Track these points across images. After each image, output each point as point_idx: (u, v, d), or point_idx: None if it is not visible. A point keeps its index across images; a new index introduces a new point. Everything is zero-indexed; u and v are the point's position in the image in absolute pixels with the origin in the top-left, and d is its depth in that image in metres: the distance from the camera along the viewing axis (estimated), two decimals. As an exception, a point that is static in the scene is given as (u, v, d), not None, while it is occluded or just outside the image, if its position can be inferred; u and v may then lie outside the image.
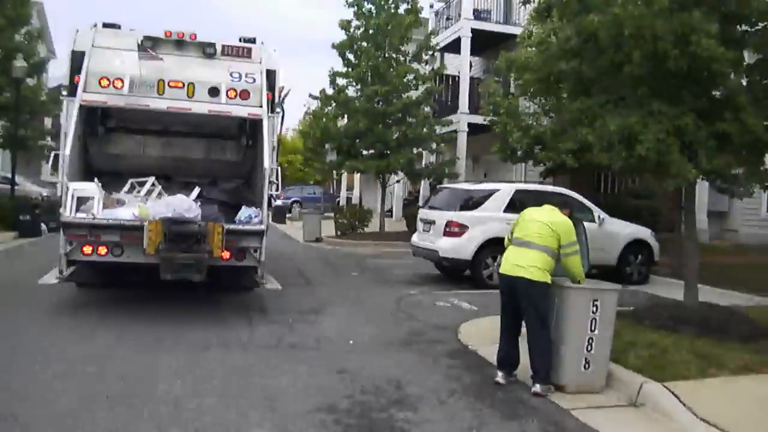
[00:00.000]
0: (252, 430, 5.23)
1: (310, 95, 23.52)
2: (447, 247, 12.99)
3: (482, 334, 8.46)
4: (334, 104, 22.92)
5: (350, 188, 46.38)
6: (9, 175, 24.28)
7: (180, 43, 10.18)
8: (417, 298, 11.71)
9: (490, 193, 13.30)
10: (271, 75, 10.35)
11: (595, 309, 6.34)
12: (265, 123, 9.86)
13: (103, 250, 8.83)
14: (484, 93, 19.80)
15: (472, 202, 13.31)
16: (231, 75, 10.11)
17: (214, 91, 9.94)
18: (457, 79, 25.35)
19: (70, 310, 9.57)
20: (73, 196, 8.97)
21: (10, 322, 8.53)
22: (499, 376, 6.60)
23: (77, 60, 9.67)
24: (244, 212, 9.59)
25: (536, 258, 6.40)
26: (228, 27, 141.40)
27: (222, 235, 8.74)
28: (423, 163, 25.91)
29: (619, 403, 6.24)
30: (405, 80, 22.13)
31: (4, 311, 9.17)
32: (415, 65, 23.04)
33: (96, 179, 9.73)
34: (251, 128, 10.79)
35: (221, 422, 5.36)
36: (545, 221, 6.54)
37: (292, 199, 43.87)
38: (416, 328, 9.18)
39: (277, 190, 10.59)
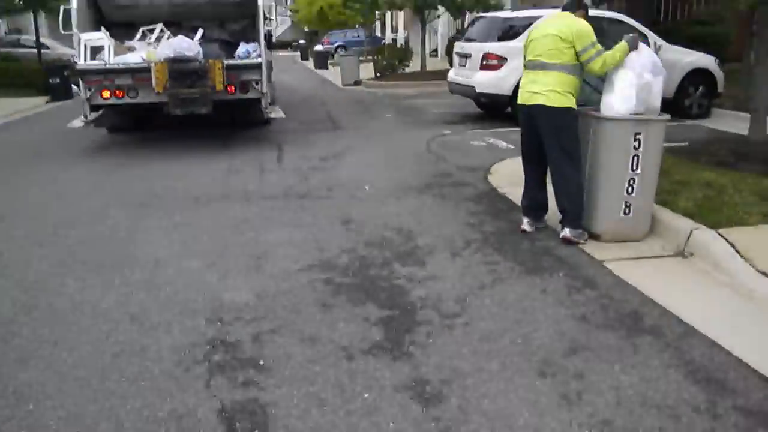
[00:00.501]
0: (226, 294, 4.55)
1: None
2: (484, 81, 11.82)
3: (516, 174, 7.48)
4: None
5: (396, 30, 44.40)
6: (42, 40, 23.76)
7: None
8: (450, 138, 10.78)
9: (531, 21, 11.83)
10: None
11: (637, 144, 5.29)
12: None
13: (119, 93, 9.73)
14: None
15: (512, 32, 11.94)
16: None
17: None
18: None
19: (92, 151, 10.52)
20: (86, 46, 9.90)
21: (41, 158, 9.98)
22: (525, 223, 5.75)
23: None
24: (242, 48, 10.29)
25: (554, 80, 5.33)
26: None
27: (222, 70, 9.48)
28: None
29: (664, 253, 5.33)
30: None
31: (35, 149, 10.72)
32: None
33: (104, 28, 10.38)
34: None
35: (196, 286, 4.70)
36: (554, 32, 5.36)
37: (336, 44, 42.33)
38: (443, 170, 8.32)
39: (270, 26, 11.27)
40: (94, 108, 10.08)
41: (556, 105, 5.29)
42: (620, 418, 3.10)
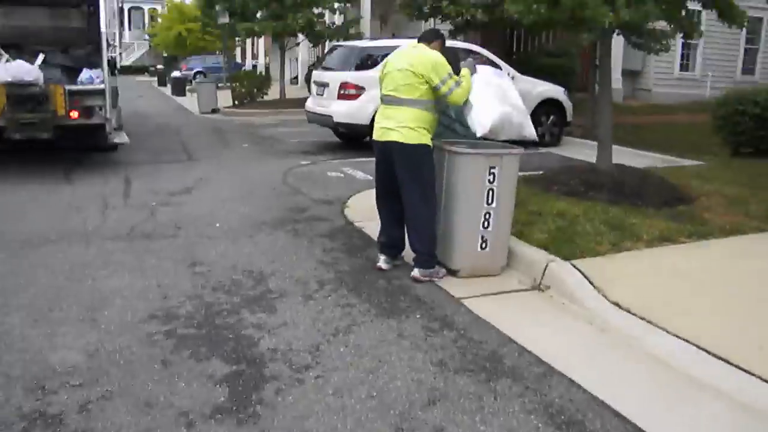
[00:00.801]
0: (52, 355, 4.03)
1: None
2: (342, 111, 11.70)
3: (373, 207, 7.35)
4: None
5: (256, 56, 43.95)
6: None
7: None
8: (307, 169, 10.53)
9: (389, 51, 11.78)
10: None
11: (492, 178, 5.23)
12: None
13: None
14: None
15: (369, 61, 11.91)
16: None
17: None
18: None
19: None
20: None
21: None
22: (381, 261, 5.55)
23: None
24: (85, 74, 10.15)
25: (408, 116, 5.17)
26: None
27: (64, 95, 9.43)
28: (326, 23, 23.99)
29: (521, 287, 5.28)
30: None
31: None
32: None
33: None
34: None
35: (16, 347, 4.15)
36: (407, 67, 5.21)
37: (195, 70, 41.25)
38: (299, 203, 8.04)
39: (114, 53, 11.14)
40: None
41: (410, 142, 5.13)
42: (479, 477, 2.89)
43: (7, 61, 10.01)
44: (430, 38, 5.53)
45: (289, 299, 4.90)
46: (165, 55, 52.42)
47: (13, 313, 4.70)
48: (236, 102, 21.42)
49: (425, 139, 5.18)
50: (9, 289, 5.17)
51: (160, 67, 43.53)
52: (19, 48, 10.96)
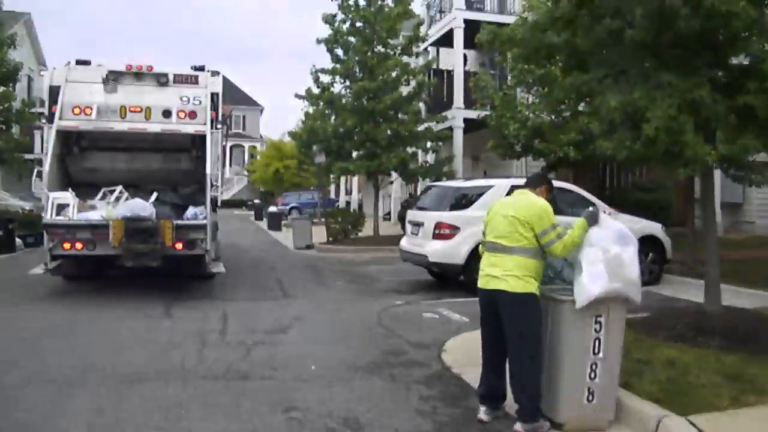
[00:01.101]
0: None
1: (296, 95, 22.20)
2: (437, 250, 11.72)
3: (470, 351, 7.15)
4: (321, 103, 21.73)
5: (350, 192, 45.21)
6: None
7: (138, 75, 12.24)
8: (402, 309, 10.46)
9: (483, 190, 11.99)
10: (214, 97, 12.32)
11: (598, 326, 5.03)
12: (208, 138, 11.91)
13: (79, 245, 10.83)
14: (476, 86, 18.69)
15: (463, 201, 12.04)
16: (181, 99, 12.18)
17: (166, 113, 12.08)
18: (451, 73, 24.05)
19: (45, 298, 11.62)
20: (53, 203, 11.10)
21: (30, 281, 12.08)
22: (482, 412, 5.31)
23: (54, 93, 11.79)
24: (191, 211, 11.61)
25: (514, 264, 5.08)
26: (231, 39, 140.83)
27: (172, 229, 10.82)
28: (419, 162, 24.55)
29: (629, 445, 4.95)
30: (394, 75, 20.85)
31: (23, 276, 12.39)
32: (405, 59, 21.78)
33: (71, 189, 11.78)
34: (199, 142, 12.36)
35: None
36: (512, 214, 5.18)
37: (290, 205, 42.69)
38: (394, 346, 7.92)
39: (216, 192, 12.84)
40: (55, 257, 11.12)
41: (517, 291, 5.01)
42: None
43: (126, 198, 11.81)
44: (536, 183, 5.53)
45: (387, 453, 4.72)
46: (262, 190, 54.67)
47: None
48: (330, 238, 21.84)
49: (532, 287, 5.05)
50: (107, 425, 5.20)
51: (257, 201, 45.33)
52: (137, 187, 12.64)
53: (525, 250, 5.06)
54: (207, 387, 6.30)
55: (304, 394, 6.06)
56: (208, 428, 5.20)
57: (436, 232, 11.78)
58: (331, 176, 36.96)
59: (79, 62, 12.23)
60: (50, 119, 11.75)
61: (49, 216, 10.98)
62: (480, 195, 11.85)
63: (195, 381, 6.49)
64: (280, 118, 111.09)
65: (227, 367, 6.96)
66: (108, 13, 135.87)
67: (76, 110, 11.82)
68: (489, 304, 5.23)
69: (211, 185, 11.92)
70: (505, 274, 5.07)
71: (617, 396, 5.30)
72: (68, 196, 11.34)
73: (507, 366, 5.24)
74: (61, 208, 11.09)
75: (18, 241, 19.91)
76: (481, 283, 5.30)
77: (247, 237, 26.34)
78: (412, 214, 13.35)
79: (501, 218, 5.23)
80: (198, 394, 6.07)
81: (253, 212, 45.65)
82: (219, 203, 13.64)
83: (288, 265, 17.05)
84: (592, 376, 5.06)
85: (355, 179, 41.40)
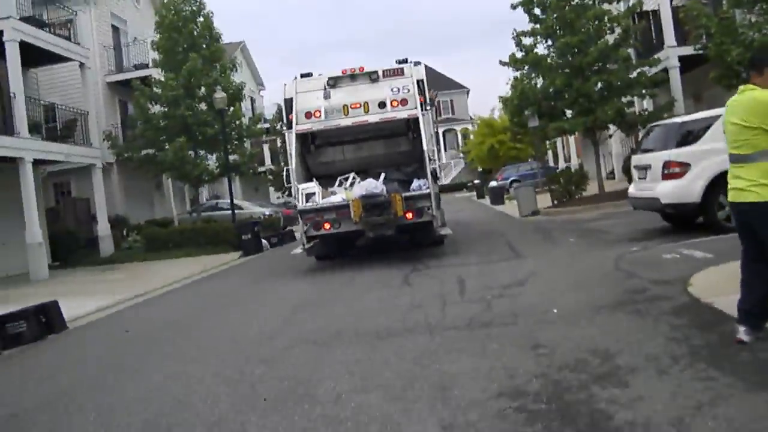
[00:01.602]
0: (410, 428, 4.22)
1: (501, 62, 21.99)
2: (668, 191, 11.11)
3: (720, 283, 6.84)
4: (526, 67, 21.43)
5: (568, 158, 44.06)
6: (235, 202, 26.26)
7: (353, 76, 14.19)
8: (639, 254, 10.09)
9: (710, 122, 11.11)
10: (420, 83, 13.93)
11: None
12: (420, 119, 13.51)
13: (327, 225, 12.92)
14: (687, 17, 17.47)
15: (691, 137, 11.30)
16: (392, 90, 13.88)
17: (382, 105, 13.84)
18: (657, 12, 22.60)
19: (306, 270, 13.97)
20: (302, 193, 13.53)
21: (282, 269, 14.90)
22: (741, 332, 4.98)
23: (288, 104, 14.26)
24: (415, 183, 13.46)
25: (757, 172, 4.71)
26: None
27: (401, 201, 12.49)
28: (636, 111, 23.36)
29: None
30: (597, 24, 20.06)
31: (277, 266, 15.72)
32: (606, 6, 20.86)
33: (315, 180, 14.19)
34: (413, 125, 14.05)
35: (379, 419, 4.42)
36: (736, 120, 4.79)
37: (510, 179, 42.43)
38: (636, 286, 7.68)
39: (435, 164, 14.18)
40: (309, 239, 13.27)
41: (760, 200, 4.69)
42: None
43: (359, 182, 13.74)
44: (761, 64, 4.99)
45: (642, 374, 4.63)
46: (480, 169, 54.84)
47: (372, 391, 5.04)
48: (555, 202, 21.52)
49: (781, 195, 4.69)
50: (367, 372, 5.59)
51: (476, 181, 45.56)
52: (365, 172, 14.54)
53: (763, 153, 4.70)
54: (453, 336, 6.54)
55: (547, 333, 6.09)
56: (459, 368, 5.39)
57: (666, 172, 11.19)
58: (548, 143, 36.41)
59: (303, 75, 14.40)
60: (289, 126, 14.16)
61: (300, 204, 13.32)
62: (708, 127, 11.02)
63: (440, 332, 6.76)
64: (487, 96, 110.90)
65: (470, 319, 7.15)
66: (301, 29, 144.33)
67: (308, 115, 13.99)
68: (741, 218, 4.94)
69: (429, 159, 13.26)
70: (751, 184, 4.75)
71: None
72: (313, 186, 13.70)
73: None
74: (309, 196, 13.43)
75: (264, 242, 21.75)
76: (730, 196, 5.01)
77: (471, 214, 26.67)
78: (637, 159, 12.81)
79: (730, 126, 4.91)
80: (445, 342, 6.32)
81: (474, 192, 46.02)
82: (439, 176, 15.09)
83: (516, 230, 17.07)
84: None
85: (572, 143, 40.27)
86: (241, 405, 5.19)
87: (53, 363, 8.16)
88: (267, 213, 30.49)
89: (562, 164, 43.91)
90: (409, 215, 12.62)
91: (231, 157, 24.49)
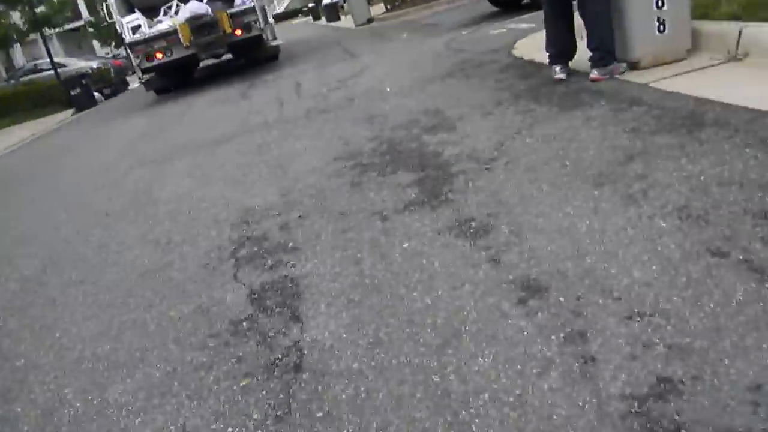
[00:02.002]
0: (251, 200, 4.26)
1: None
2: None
3: (541, 43, 7.03)
4: None
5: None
6: (57, 60, 24.29)
7: None
8: (468, 36, 10.22)
9: None
10: None
11: (659, -53, 4.77)
12: None
13: (159, 54, 12.64)
14: None
15: None
16: None
17: None
18: None
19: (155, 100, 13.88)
20: (127, 27, 12.92)
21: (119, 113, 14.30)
22: (558, 71, 5.23)
23: None
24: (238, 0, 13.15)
25: None
26: None
27: (228, 18, 12.42)
28: None
29: (714, 62, 4.80)
30: None
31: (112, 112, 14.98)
32: None
33: (137, 11, 13.40)
34: None
35: (220, 204, 4.44)
36: None
37: (343, -7, 41.48)
38: (465, 58, 7.82)
39: None
40: (144, 72, 13.06)
41: None
42: (697, 201, 2.67)
43: (183, 6, 12.87)
44: None
45: (468, 119, 4.80)
46: (316, -9, 53.15)
47: (213, 184, 5.01)
48: (388, 7, 21.29)
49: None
50: (207, 171, 5.53)
51: (311, 5, 44.18)
52: None
53: None
54: (290, 126, 6.51)
55: (382, 107, 6.17)
56: (297, 147, 5.41)
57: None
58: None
59: None
60: None
61: (128, 37, 12.83)
62: None
63: (279, 126, 6.71)
64: None
65: (306, 111, 7.13)
66: None
67: None
68: None
69: None
70: None
71: (692, 26, 5.10)
72: (138, 17, 13.11)
73: (573, 23, 5.12)
74: (135, 29, 12.90)
75: (96, 95, 20.44)
76: None
77: (308, 33, 26.06)
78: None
79: None
80: (283, 132, 6.30)
81: (310, 16, 44.78)
82: None
83: (351, 38, 16.86)
84: (660, 4, 4.85)
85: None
86: (85, 224, 5.03)
87: None
88: (94, 66, 28.51)
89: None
90: (238, 32, 12.60)
91: (37, 10, 22.29)
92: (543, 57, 6.01)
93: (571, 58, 5.29)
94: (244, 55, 14.45)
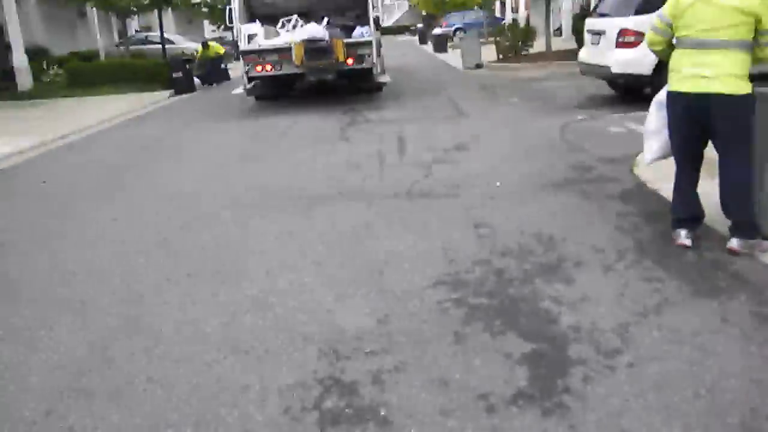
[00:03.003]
0: (343, 318, 3.97)
1: None
2: (621, 60, 10.71)
3: (665, 165, 6.63)
4: None
5: (516, 10, 42.90)
6: (167, 36, 24.71)
7: None
8: (585, 125, 9.84)
9: (675, -8, 10.68)
10: None
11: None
12: None
13: (269, 67, 13.14)
14: None
15: (650, 4, 10.78)
16: None
17: None
18: None
19: (252, 109, 14.39)
20: (244, 34, 13.38)
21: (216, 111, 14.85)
22: (683, 237, 4.70)
23: None
24: (358, 30, 13.50)
25: (732, 61, 4.30)
26: None
27: (343, 46, 12.69)
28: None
29: None
30: None
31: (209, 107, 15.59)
32: None
33: (257, 20, 13.91)
34: None
35: (310, 306, 4.15)
36: (735, 4, 4.25)
37: (455, 27, 41.38)
38: (582, 161, 7.43)
39: (378, 13, 14.02)
40: (250, 80, 13.50)
41: (736, 92, 4.30)
42: None
43: (302, 25, 13.34)
44: None
45: (587, 269, 4.43)
46: (424, 13, 53.21)
47: (302, 269, 4.76)
48: (500, 56, 20.94)
49: (749, 87, 4.34)
50: (299, 240, 5.30)
51: (419, 26, 44.23)
52: (306, 15, 14.05)
53: (743, 43, 4.30)
54: (391, 205, 6.25)
55: (490, 211, 5.84)
56: (397, 246, 5.12)
57: (620, 40, 10.77)
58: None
59: None
60: None
61: (243, 44, 13.32)
62: (671, -3, 10.56)
63: (377, 200, 6.45)
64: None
65: (409, 186, 6.86)
66: None
67: None
68: (692, 111, 4.50)
69: (373, 7, 13.37)
70: (722, 73, 4.35)
71: None
72: (257, 27, 13.49)
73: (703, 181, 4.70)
74: (251, 37, 13.30)
75: (196, 80, 20.71)
76: (686, 86, 4.49)
77: (414, 61, 25.98)
78: (591, 23, 12.28)
79: (713, 9, 4.36)
80: (381, 213, 6.03)
81: (416, 37, 44.81)
82: (381, 24, 14.85)
83: (459, 84, 16.61)
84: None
85: (523, -5, 39.06)
86: (161, 280, 4.84)
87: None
88: (197, 49, 29.01)
89: (509, 15, 42.77)
90: (350, 61, 12.86)
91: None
92: (668, 191, 5.61)
93: (698, 224, 4.84)
94: (349, 82, 14.54)
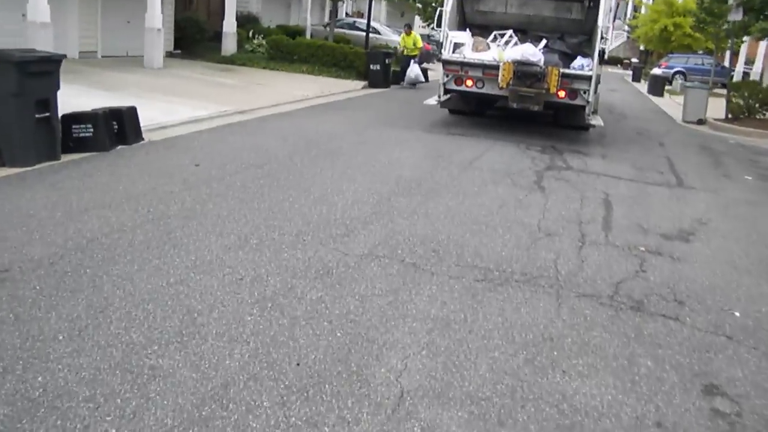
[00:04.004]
0: None
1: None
2: None
3: None
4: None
5: (749, 62, 38.81)
6: (374, 25, 24.32)
7: None
8: None
9: None
10: None
11: None
12: None
13: (470, 82, 11.80)
14: None
15: None
16: None
17: None
18: None
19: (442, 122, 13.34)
20: (450, 42, 12.16)
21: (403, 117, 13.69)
22: None
23: None
24: (578, 61, 11.56)
25: None
26: None
27: (558, 76, 11.03)
28: None
29: None
30: None
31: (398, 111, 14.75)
32: None
33: (468, 29, 12.73)
34: None
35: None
36: None
37: (675, 69, 38.05)
38: None
39: (604, 44, 12.20)
40: (447, 92, 12.25)
41: None
42: None
43: (515, 43, 12.02)
44: None
45: None
46: (642, 48, 49.99)
47: (448, 403, 3.31)
48: (730, 115, 18.30)
49: None
50: (451, 357, 3.83)
51: (635, 60, 41.32)
52: (524, 33, 12.73)
53: None
54: (587, 314, 4.66)
55: (729, 365, 4.09)
56: (585, 398, 3.58)
57: None
58: (729, 41, 31.76)
59: None
60: None
61: (446, 53, 12.09)
62: None
63: (570, 299, 4.89)
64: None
65: (615, 286, 5.23)
66: None
67: None
68: None
69: (601, 37, 11.54)
70: None
71: None
72: (465, 36, 12.29)
73: None
74: (457, 46, 12.11)
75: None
76: None
77: (625, 100, 23.78)
78: None
79: None
80: (573, 323, 4.47)
81: (630, 72, 41.95)
82: (605, 58, 13.35)
83: (678, 141, 14.44)
84: None
85: (762, 46, 35.11)
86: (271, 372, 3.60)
87: (101, 184, 6.79)
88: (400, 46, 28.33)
89: (740, 66, 38.80)
90: (562, 94, 11.22)
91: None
92: None
93: None
94: (554, 115, 13.05)
